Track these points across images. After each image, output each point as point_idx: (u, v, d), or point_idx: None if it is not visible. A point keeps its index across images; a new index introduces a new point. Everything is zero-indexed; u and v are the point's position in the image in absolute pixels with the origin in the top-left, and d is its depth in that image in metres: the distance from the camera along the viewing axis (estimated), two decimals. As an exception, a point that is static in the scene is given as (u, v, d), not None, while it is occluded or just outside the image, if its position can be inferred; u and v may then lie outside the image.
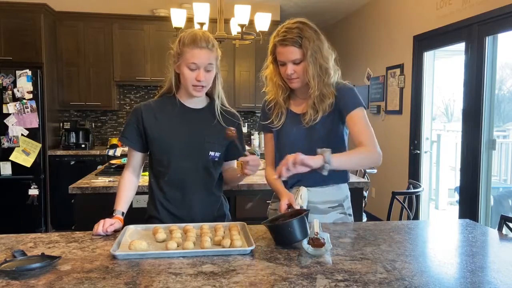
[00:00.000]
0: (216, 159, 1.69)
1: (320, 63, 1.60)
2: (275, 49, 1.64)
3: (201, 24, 3.28)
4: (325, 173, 1.42)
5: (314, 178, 1.68)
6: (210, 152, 1.66)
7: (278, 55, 1.63)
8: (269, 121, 1.77)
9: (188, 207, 1.69)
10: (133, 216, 1.74)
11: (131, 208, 1.73)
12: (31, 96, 4.45)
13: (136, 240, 1.35)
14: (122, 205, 1.65)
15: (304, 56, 1.59)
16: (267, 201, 1.92)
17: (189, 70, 1.56)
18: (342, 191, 1.78)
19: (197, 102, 1.69)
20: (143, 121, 1.66)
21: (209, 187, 1.71)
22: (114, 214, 1.61)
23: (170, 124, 1.66)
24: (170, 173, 1.66)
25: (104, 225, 1.51)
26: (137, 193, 1.80)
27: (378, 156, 1.56)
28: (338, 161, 1.46)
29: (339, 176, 1.75)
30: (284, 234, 1.37)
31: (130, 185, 1.72)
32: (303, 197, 1.63)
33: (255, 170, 1.53)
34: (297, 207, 1.56)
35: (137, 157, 1.73)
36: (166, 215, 1.69)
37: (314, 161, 1.41)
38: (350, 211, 1.80)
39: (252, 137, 5.75)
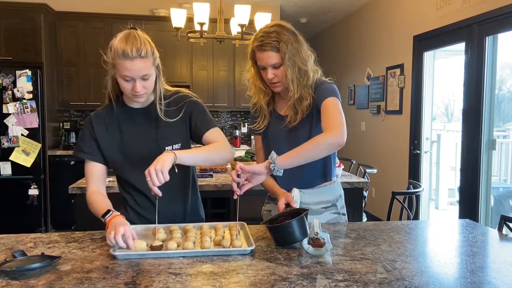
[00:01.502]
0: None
1: (298, 66, 1.60)
2: (254, 55, 1.63)
3: (201, 24, 3.28)
4: (278, 173, 1.43)
5: (303, 180, 1.70)
6: (167, 147, 1.59)
7: (257, 60, 1.63)
8: (255, 125, 1.77)
9: (155, 209, 1.59)
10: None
11: None
12: (31, 96, 4.45)
13: (136, 240, 1.35)
14: (109, 206, 1.50)
15: (282, 60, 1.58)
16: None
17: (125, 81, 1.46)
18: (335, 191, 1.78)
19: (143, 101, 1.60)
20: (94, 131, 1.60)
21: (175, 186, 1.61)
22: (110, 214, 1.43)
23: (120, 130, 1.60)
24: (132, 178, 1.62)
25: (122, 233, 1.31)
26: None
27: (336, 136, 1.46)
28: (283, 158, 1.44)
29: (326, 176, 1.75)
30: (284, 234, 1.37)
31: (104, 198, 1.56)
32: (296, 198, 1.63)
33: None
34: (295, 206, 1.57)
35: (101, 170, 1.62)
36: (135, 217, 1.64)
37: (257, 167, 1.45)
38: (344, 210, 1.81)
39: (252, 137, 5.75)
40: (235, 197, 1.44)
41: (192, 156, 1.50)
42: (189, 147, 1.67)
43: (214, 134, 1.62)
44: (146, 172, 1.35)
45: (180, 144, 1.62)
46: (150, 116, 1.61)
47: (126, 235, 1.31)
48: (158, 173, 1.34)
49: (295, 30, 1.63)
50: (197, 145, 1.70)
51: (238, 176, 1.43)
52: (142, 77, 1.46)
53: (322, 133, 1.50)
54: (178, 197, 1.67)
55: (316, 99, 1.63)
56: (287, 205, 1.59)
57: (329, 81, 1.69)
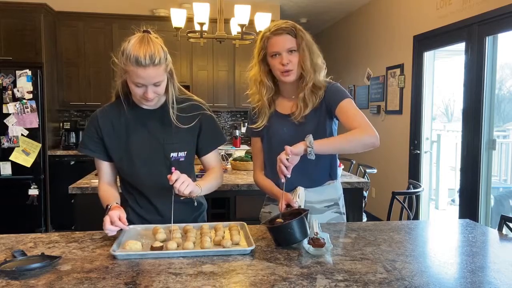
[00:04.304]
0: (182, 159, 1.60)
1: (312, 56, 1.63)
2: (267, 43, 1.62)
3: (201, 24, 3.28)
4: (311, 157, 1.46)
5: (310, 179, 1.70)
6: (172, 154, 1.58)
7: (271, 46, 1.61)
8: (255, 124, 1.75)
9: (159, 214, 1.62)
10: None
11: None
12: (31, 96, 4.45)
13: (131, 240, 1.35)
14: (112, 200, 1.53)
15: (298, 45, 1.60)
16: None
17: (136, 86, 1.45)
18: (337, 190, 1.79)
19: None
20: (100, 129, 1.58)
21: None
22: (109, 207, 1.47)
23: (126, 130, 1.58)
24: (134, 180, 1.61)
25: (112, 220, 1.37)
26: None
27: (373, 136, 1.52)
28: (321, 142, 1.49)
29: (330, 174, 1.76)
30: (285, 235, 1.37)
31: (111, 190, 1.62)
32: (301, 196, 1.63)
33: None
34: (296, 206, 1.57)
35: (108, 166, 1.63)
36: (135, 218, 1.63)
37: (298, 148, 1.46)
38: (344, 209, 1.82)
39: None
40: (283, 180, 1.47)
41: (207, 190, 1.60)
42: (193, 157, 1.68)
43: (212, 159, 1.70)
44: (175, 176, 1.39)
45: (186, 152, 1.61)
46: (160, 119, 1.59)
47: (112, 220, 1.37)
48: (184, 182, 1.40)
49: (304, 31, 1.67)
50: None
51: (287, 159, 1.46)
52: (154, 84, 1.45)
53: (359, 130, 1.52)
54: (182, 201, 1.66)
55: (328, 99, 1.65)
56: (288, 205, 1.59)
57: (334, 82, 1.71)
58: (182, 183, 1.40)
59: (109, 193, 1.60)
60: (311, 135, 1.48)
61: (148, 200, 1.62)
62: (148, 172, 1.59)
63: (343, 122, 1.61)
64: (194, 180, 1.70)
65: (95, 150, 1.60)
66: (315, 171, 1.70)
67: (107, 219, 1.38)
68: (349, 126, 1.57)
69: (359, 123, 1.55)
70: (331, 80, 1.72)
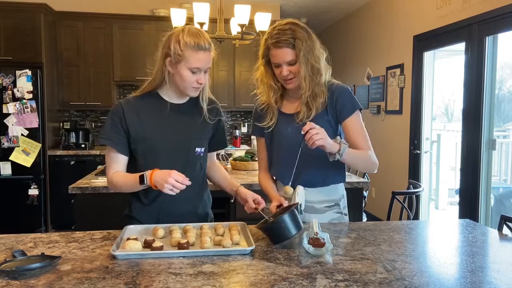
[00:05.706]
0: (202, 154, 1.67)
1: (311, 64, 1.62)
2: (269, 51, 1.64)
3: (201, 24, 3.28)
4: (331, 159, 1.52)
5: (313, 179, 1.69)
6: (197, 149, 1.62)
7: (272, 57, 1.63)
8: (263, 123, 1.76)
9: (172, 207, 1.62)
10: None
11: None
12: (31, 96, 4.45)
13: (131, 240, 1.35)
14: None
15: (297, 57, 1.60)
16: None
17: (191, 73, 1.51)
18: (338, 191, 1.79)
19: (180, 96, 1.63)
20: (125, 120, 1.56)
21: (195, 185, 1.62)
22: (148, 174, 1.44)
23: (154, 123, 1.59)
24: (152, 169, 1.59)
25: (179, 178, 1.39)
26: None
27: (375, 163, 1.67)
28: (349, 155, 1.55)
29: (337, 176, 1.76)
30: (278, 231, 1.37)
31: (124, 172, 1.61)
32: (300, 196, 1.63)
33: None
34: (285, 204, 1.57)
35: (123, 160, 1.59)
36: (145, 216, 1.63)
37: (332, 147, 1.50)
38: (346, 210, 1.81)
39: (252, 137, 5.74)
40: (307, 128, 1.47)
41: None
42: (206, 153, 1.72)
43: (213, 157, 1.84)
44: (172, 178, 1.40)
45: (204, 148, 1.68)
46: (188, 113, 1.64)
47: (181, 180, 1.40)
48: (319, 134, 1.45)
49: (308, 28, 1.66)
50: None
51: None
52: (206, 69, 1.54)
53: (372, 154, 1.66)
54: (196, 193, 1.69)
55: (335, 104, 1.66)
56: (279, 206, 1.59)
57: (344, 85, 1.72)
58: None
59: (127, 174, 1.57)
60: (347, 144, 1.54)
61: (166, 195, 1.58)
62: (173, 165, 1.52)
63: (348, 136, 1.66)
64: (204, 181, 1.76)
65: (117, 142, 1.56)
66: (331, 171, 1.71)
67: (173, 177, 1.38)
68: (354, 144, 1.63)
69: (367, 145, 1.65)
70: (339, 82, 1.72)
